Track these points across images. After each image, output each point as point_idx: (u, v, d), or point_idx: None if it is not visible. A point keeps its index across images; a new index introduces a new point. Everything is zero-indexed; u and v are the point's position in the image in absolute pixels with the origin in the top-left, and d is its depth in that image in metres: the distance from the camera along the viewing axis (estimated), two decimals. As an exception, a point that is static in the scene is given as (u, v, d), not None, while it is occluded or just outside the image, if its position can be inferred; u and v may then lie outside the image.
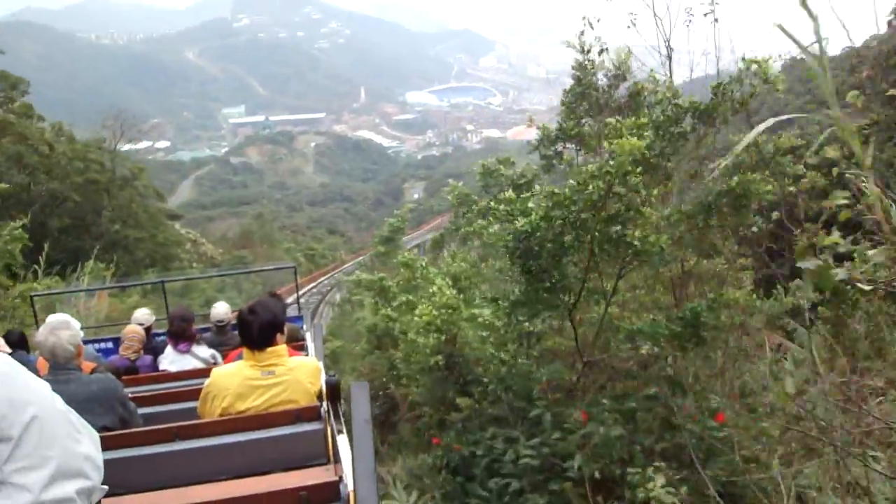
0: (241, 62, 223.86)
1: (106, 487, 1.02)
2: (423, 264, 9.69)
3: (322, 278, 43.36)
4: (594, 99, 8.48)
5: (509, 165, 9.49)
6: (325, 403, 3.19)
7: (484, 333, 7.22)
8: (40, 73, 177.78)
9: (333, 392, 3.27)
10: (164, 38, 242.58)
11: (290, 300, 11.85)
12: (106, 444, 2.73)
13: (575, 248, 5.77)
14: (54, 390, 1.02)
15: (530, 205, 5.74)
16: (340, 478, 2.47)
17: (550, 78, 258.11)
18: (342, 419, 3.20)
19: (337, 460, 2.82)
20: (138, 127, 40.33)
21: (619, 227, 5.61)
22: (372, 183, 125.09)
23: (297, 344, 4.92)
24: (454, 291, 7.83)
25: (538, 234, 5.64)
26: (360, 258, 56.19)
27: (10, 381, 0.90)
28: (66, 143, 27.10)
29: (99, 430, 2.97)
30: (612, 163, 5.25)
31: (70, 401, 1.19)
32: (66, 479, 0.91)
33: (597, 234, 5.63)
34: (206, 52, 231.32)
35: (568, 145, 8.97)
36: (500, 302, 6.44)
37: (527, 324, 6.58)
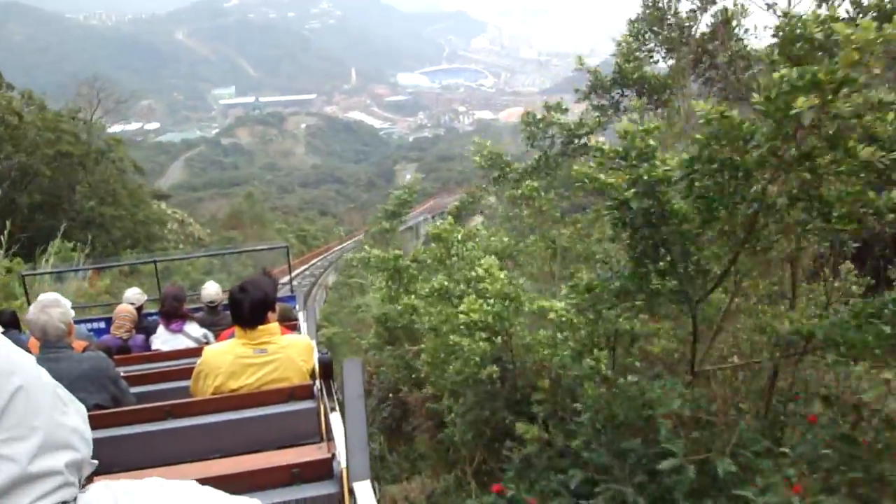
0: (232, 43, 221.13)
1: (96, 462, 0.98)
2: (459, 237, 7.49)
3: (315, 259, 42.96)
4: (668, 31, 6.93)
5: (560, 111, 8.03)
6: (317, 381, 3.20)
7: (561, 335, 5.23)
8: (29, 56, 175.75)
9: (326, 370, 3.27)
10: (153, 19, 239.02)
11: (283, 281, 11.78)
12: (98, 423, 2.75)
13: (738, 209, 3.78)
14: (45, 368, 0.97)
15: (652, 142, 3.91)
16: (333, 455, 2.48)
17: (543, 60, 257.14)
18: (335, 397, 3.21)
19: (330, 438, 2.83)
20: (115, 97, 36.70)
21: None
22: (364, 164, 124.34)
23: (289, 324, 4.92)
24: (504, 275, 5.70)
25: (676, 187, 3.82)
26: (353, 240, 55.74)
27: None
28: (35, 112, 24.68)
29: (91, 408, 3.02)
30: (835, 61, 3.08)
31: (61, 379, 1.09)
32: (54, 450, 0.88)
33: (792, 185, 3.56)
34: (196, 33, 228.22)
35: (626, 92, 7.63)
36: (591, 288, 4.48)
37: (621, 320, 4.80)
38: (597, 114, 7.47)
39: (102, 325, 6.51)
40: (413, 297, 7.74)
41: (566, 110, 8.05)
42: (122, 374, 3.43)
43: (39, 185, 23.51)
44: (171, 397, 3.23)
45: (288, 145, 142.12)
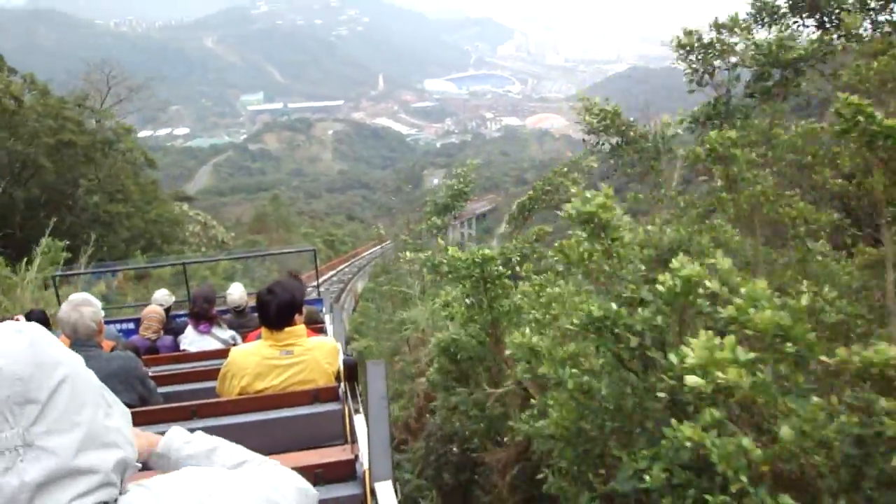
0: (260, 49, 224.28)
1: (139, 465, 1.00)
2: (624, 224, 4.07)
3: (343, 265, 42.65)
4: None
5: (741, 28, 5.82)
6: (342, 384, 3.20)
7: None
8: (59, 61, 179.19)
9: (351, 372, 3.27)
10: (182, 26, 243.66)
11: (310, 287, 11.86)
12: (125, 421, 2.77)
13: None
14: None
15: None
16: (356, 456, 2.47)
17: (569, 66, 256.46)
18: (359, 399, 3.21)
19: (354, 440, 2.82)
20: (127, 83, 32.29)
21: None
22: (391, 170, 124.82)
23: (316, 326, 4.94)
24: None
25: None
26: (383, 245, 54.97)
27: (40, 346, 0.90)
28: (36, 97, 22.30)
29: (119, 406, 3.04)
30: None
31: None
32: (98, 448, 0.90)
33: None
34: (225, 40, 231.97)
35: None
36: None
37: None
38: (813, 30, 4.88)
39: (131, 325, 6.59)
40: (538, 334, 4.15)
41: (747, 27, 5.63)
42: (149, 374, 3.46)
43: (41, 179, 21.40)
44: (199, 398, 3.25)
45: (315, 151, 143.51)
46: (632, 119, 6.37)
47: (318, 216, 62.84)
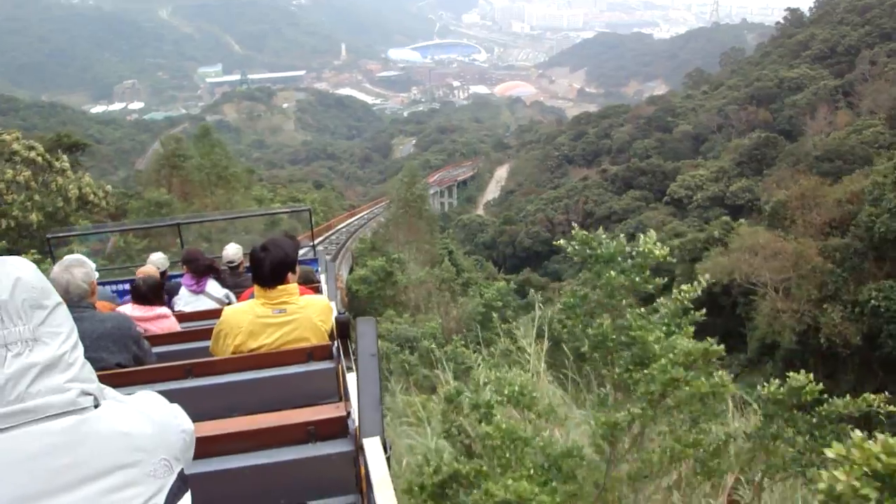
0: (217, 20, 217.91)
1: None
2: None
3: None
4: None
5: None
6: (336, 342, 3.20)
7: None
8: (8, 36, 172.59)
9: (343, 329, 3.28)
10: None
11: (305, 248, 11.96)
12: (119, 381, 2.75)
13: None
14: None
15: None
16: (348, 413, 2.49)
17: (535, 34, 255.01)
18: (352, 357, 3.23)
19: (346, 397, 2.85)
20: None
21: None
22: (357, 140, 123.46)
23: (311, 286, 4.95)
24: None
25: None
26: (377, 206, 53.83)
27: (41, 274, 1.20)
28: None
29: (112, 367, 3.03)
30: None
31: (84, 337, 1.26)
32: (80, 353, 1.21)
33: None
34: (180, 11, 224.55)
35: None
36: None
37: None
38: None
39: (126, 286, 6.57)
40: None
41: None
42: (143, 334, 3.43)
43: None
44: (193, 357, 3.23)
45: (277, 122, 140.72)
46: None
47: (280, 182, 56.01)
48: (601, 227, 4.09)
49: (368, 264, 22.41)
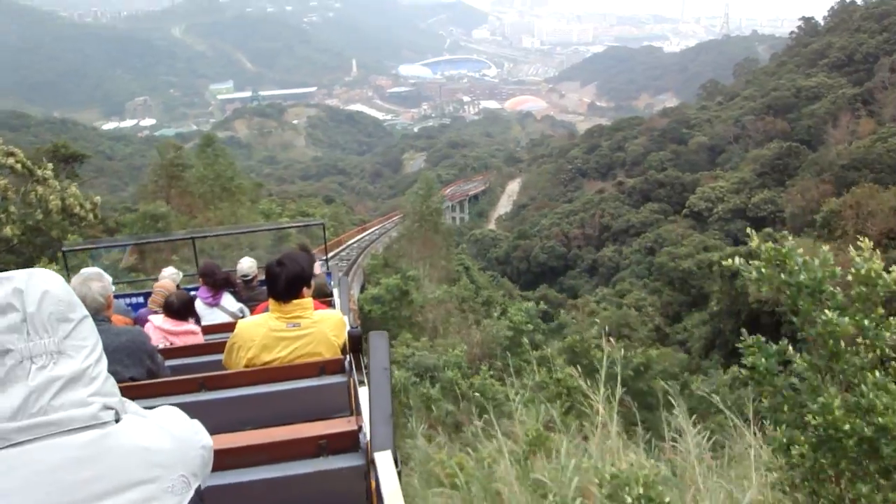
0: (229, 38, 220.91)
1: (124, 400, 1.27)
2: None
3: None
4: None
5: None
6: (348, 356, 3.19)
7: None
8: (22, 55, 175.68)
9: (356, 344, 3.27)
10: (148, 16, 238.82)
11: (319, 261, 12.03)
12: (133, 394, 2.72)
13: None
14: None
15: None
16: (360, 427, 2.47)
17: (546, 49, 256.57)
18: (364, 371, 3.21)
19: (358, 412, 2.84)
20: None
21: None
22: (368, 156, 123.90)
23: (324, 300, 4.99)
24: None
25: None
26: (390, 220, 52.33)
27: (69, 288, 1.21)
28: None
29: (126, 380, 3.01)
30: None
31: None
32: (104, 367, 1.22)
33: None
34: (193, 29, 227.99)
35: None
36: None
37: None
38: None
39: (141, 299, 6.64)
40: None
41: None
42: (158, 347, 3.45)
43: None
44: (206, 370, 3.25)
45: (288, 137, 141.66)
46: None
47: (290, 198, 54.01)
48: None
49: (382, 282, 21.42)
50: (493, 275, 43.94)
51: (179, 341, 4.12)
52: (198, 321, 5.22)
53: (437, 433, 5.96)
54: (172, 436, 1.24)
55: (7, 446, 1.08)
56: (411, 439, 5.54)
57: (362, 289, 26.23)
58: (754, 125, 55.28)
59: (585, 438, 4.08)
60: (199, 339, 4.34)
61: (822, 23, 74.56)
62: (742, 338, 2.74)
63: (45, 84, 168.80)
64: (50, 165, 17.24)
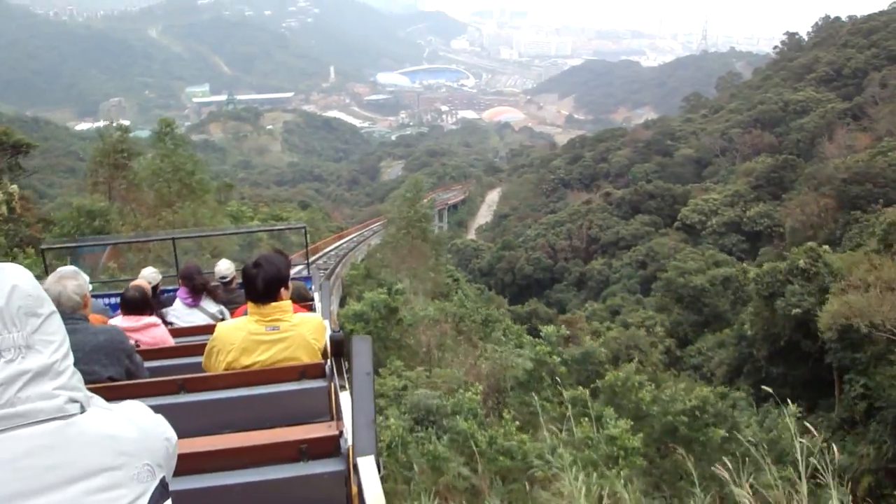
0: (206, 40, 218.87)
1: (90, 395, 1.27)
2: None
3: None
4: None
5: None
6: (329, 360, 3.18)
7: None
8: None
9: (338, 348, 3.26)
10: (125, 16, 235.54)
11: (300, 266, 11.70)
12: (111, 395, 2.69)
13: None
14: None
15: None
16: (341, 432, 2.47)
17: (524, 61, 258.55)
18: (346, 376, 3.21)
19: (339, 416, 2.82)
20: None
21: None
22: (345, 162, 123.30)
23: (305, 304, 4.93)
24: None
25: None
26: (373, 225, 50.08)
27: (37, 283, 1.21)
28: None
29: (104, 381, 2.98)
30: None
31: (76, 350, 1.28)
32: (70, 362, 1.22)
33: None
34: (170, 30, 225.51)
35: None
36: None
37: None
38: None
39: (118, 300, 6.55)
40: None
41: None
42: (136, 348, 3.40)
43: None
44: (185, 372, 3.21)
45: (263, 142, 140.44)
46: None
47: (263, 200, 51.52)
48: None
49: (366, 296, 18.70)
50: (480, 287, 41.71)
51: (144, 337, 4.02)
52: (159, 314, 5.13)
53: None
54: (137, 426, 1.26)
55: None
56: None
57: (342, 302, 24.12)
58: (741, 138, 55.33)
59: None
60: (163, 330, 4.24)
61: (806, 38, 75.93)
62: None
63: (18, 82, 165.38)
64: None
